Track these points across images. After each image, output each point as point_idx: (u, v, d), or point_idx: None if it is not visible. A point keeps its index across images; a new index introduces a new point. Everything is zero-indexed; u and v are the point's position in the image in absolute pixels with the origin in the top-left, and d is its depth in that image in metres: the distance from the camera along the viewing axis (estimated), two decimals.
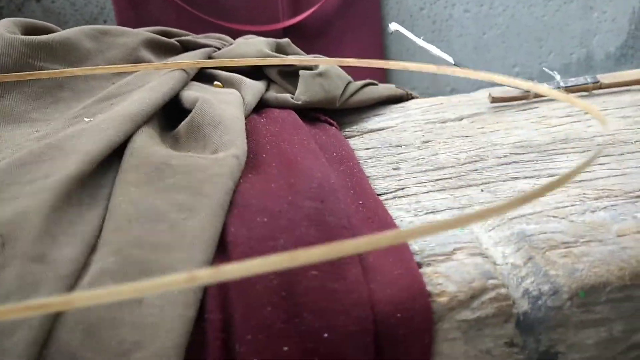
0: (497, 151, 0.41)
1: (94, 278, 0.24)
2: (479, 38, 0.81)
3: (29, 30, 0.43)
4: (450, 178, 0.38)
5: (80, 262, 0.25)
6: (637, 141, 0.40)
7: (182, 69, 0.42)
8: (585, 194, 0.33)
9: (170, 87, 0.38)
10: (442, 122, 0.49)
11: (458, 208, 0.34)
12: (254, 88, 0.44)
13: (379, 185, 0.38)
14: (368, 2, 0.84)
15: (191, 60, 0.45)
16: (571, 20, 0.78)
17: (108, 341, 0.22)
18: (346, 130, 0.50)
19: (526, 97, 0.52)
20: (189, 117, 0.35)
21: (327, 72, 0.50)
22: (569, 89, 0.51)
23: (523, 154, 0.40)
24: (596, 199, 0.33)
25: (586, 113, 0.45)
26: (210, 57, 0.47)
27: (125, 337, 0.22)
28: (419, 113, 0.52)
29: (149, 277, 0.24)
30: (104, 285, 0.24)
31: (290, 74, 0.50)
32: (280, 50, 0.51)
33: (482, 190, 0.35)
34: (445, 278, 0.27)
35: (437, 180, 0.38)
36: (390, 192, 0.36)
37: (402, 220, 0.33)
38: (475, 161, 0.40)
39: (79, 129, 0.33)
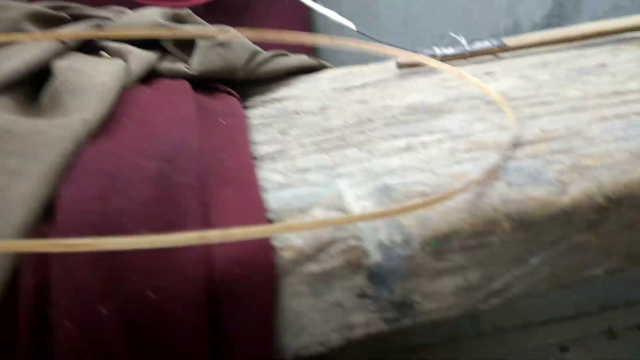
0: (388, 113, 0.40)
1: None
2: (407, 10, 0.80)
3: None
4: (333, 140, 0.37)
5: None
6: (526, 97, 0.39)
7: (60, 40, 0.40)
8: (457, 147, 0.33)
9: (38, 58, 0.36)
10: (346, 90, 0.48)
11: (330, 167, 0.33)
12: (142, 58, 0.43)
13: (261, 150, 0.36)
14: None
15: (76, 31, 0.43)
16: None
17: None
18: (250, 100, 0.48)
19: None
20: (51, 85, 0.34)
21: (228, 42, 0.49)
22: (475, 53, 0.51)
23: (411, 114, 0.39)
24: (467, 151, 0.32)
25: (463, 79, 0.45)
26: (101, 29, 0.45)
27: None
28: (327, 82, 0.51)
29: None
30: None
31: (189, 45, 0.48)
32: (178, 21, 0.49)
33: (360, 150, 0.35)
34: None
35: (320, 142, 0.37)
36: (270, 156, 0.35)
37: (270, 181, 0.32)
38: (364, 123, 0.39)
39: None
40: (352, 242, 0.26)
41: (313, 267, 0.26)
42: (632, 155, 0.29)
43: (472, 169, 0.30)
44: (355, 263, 0.26)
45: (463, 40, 0.51)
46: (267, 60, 0.53)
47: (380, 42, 0.51)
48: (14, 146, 0.27)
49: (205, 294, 0.23)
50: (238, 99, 0.47)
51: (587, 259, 0.29)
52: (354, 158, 0.34)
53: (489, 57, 0.51)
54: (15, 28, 0.43)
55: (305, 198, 0.29)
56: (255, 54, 0.52)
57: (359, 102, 0.44)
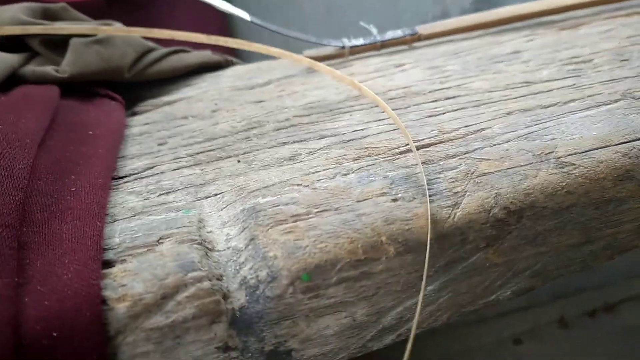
0: (281, 115, 0.36)
1: None
2: (332, 0, 0.76)
3: None
4: (213, 150, 0.32)
5: None
6: (430, 92, 0.35)
7: None
8: (346, 155, 0.28)
9: None
10: (249, 89, 0.43)
11: (198, 185, 0.28)
12: None
13: (128, 166, 0.31)
14: None
15: None
16: None
17: None
18: (140, 105, 0.43)
19: (342, 55, 0.47)
20: None
21: (109, 39, 0.43)
22: (386, 43, 0.47)
23: (306, 115, 0.35)
24: (355, 159, 0.28)
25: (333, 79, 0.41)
26: None
27: None
28: (230, 80, 0.46)
29: None
30: None
31: (61, 44, 0.42)
32: (49, 16, 0.43)
33: (238, 161, 0.30)
34: (132, 277, 0.21)
35: (197, 153, 0.32)
36: (135, 174, 0.30)
37: (123, 207, 0.26)
38: (252, 128, 0.34)
39: None
40: (206, 284, 0.22)
41: (158, 320, 0.21)
42: (534, 156, 0.26)
43: (356, 183, 0.26)
44: (212, 310, 0.21)
45: (374, 30, 0.47)
46: (162, 58, 0.47)
47: (289, 32, 0.46)
48: None
49: None
50: (121, 103, 0.41)
51: (490, 280, 0.25)
52: (229, 172, 0.29)
53: (402, 47, 0.48)
54: None
55: (156, 229, 0.24)
56: (146, 51, 0.46)
57: (255, 103, 0.39)
